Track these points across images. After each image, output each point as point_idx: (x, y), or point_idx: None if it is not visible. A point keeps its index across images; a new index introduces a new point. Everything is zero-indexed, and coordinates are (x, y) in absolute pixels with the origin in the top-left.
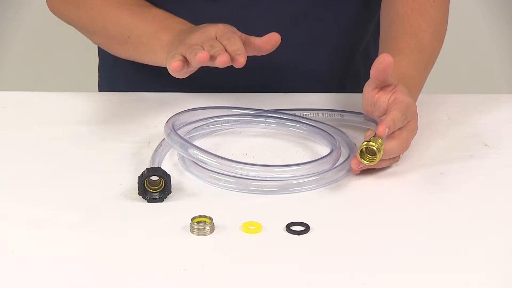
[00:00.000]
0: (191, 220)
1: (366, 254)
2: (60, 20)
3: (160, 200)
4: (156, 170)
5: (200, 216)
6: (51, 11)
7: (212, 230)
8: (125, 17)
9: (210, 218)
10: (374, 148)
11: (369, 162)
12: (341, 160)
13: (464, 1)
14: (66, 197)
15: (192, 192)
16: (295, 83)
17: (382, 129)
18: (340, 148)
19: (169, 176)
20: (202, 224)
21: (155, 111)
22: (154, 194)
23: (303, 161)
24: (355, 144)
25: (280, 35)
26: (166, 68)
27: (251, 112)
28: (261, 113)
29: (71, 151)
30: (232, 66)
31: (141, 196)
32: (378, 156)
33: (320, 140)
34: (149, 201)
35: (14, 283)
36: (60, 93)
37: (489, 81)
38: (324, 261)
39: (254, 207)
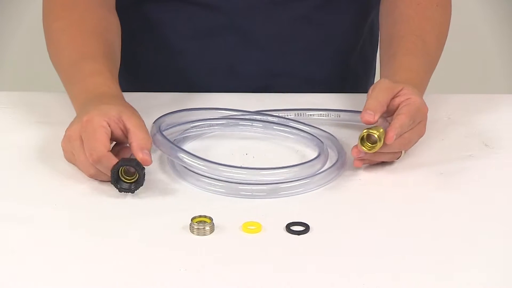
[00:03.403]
0: (191, 220)
1: (366, 254)
2: None
3: (131, 191)
4: (130, 161)
5: (200, 216)
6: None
7: (212, 230)
8: (59, 70)
9: (210, 218)
10: (376, 136)
11: (368, 150)
12: (329, 163)
13: (464, 1)
14: (66, 197)
15: (192, 192)
16: (295, 88)
17: (391, 136)
18: (328, 151)
19: (143, 168)
20: (202, 224)
21: (155, 111)
22: (125, 184)
23: (291, 164)
24: (345, 152)
25: (280, 41)
26: (166, 69)
27: (238, 115)
28: (247, 116)
29: None
30: (233, 71)
31: (113, 185)
32: (378, 145)
33: (308, 143)
34: (120, 191)
35: (14, 283)
36: (60, 93)
37: (489, 81)
38: (324, 261)
39: (254, 207)
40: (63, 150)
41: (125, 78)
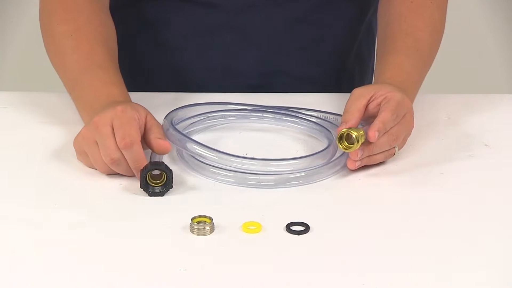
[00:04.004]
0: (191, 220)
1: (366, 254)
2: None
3: (162, 194)
4: (159, 164)
5: (200, 216)
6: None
7: (212, 230)
8: (64, 75)
9: (210, 218)
10: (353, 136)
11: (344, 149)
12: (337, 154)
13: (464, 1)
14: (66, 197)
15: (192, 192)
16: (292, 87)
17: (372, 134)
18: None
19: (171, 170)
20: (202, 224)
21: (155, 111)
22: (156, 188)
23: (300, 155)
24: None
25: (278, 40)
26: (164, 67)
27: (248, 107)
28: (258, 108)
29: (71, 151)
30: (231, 70)
31: (142, 190)
32: (355, 146)
33: (317, 135)
34: (150, 195)
35: (14, 283)
36: (60, 93)
37: (489, 81)
38: (324, 261)
39: (254, 207)
40: (82, 137)
41: (124, 77)
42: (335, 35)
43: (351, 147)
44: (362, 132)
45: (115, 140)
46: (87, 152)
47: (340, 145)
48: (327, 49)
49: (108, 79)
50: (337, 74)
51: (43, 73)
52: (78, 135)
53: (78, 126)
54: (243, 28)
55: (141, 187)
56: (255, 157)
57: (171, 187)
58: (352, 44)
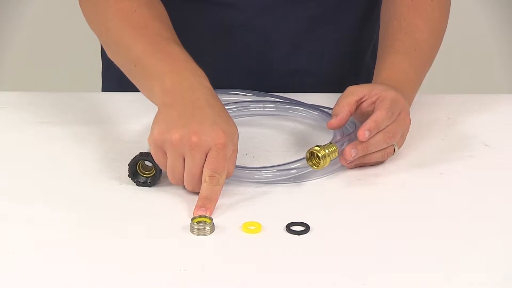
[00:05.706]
0: (191, 220)
1: (366, 254)
2: (60, 20)
3: (148, 185)
4: (147, 155)
5: (200, 216)
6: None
7: (212, 230)
8: (138, 43)
9: (210, 218)
10: (320, 155)
11: (313, 166)
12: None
13: (464, 1)
14: (66, 197)
15: (193, 192)
16: (310, 86)
17: (361, 133)
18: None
19: None
20: (202, 224)
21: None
22: (142, 178)
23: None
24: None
25: (298, 40)
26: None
27: (249, 98)
28: (259, 99)
29: (71, 151)
30: (251, 70)
31: (130, 178)
32: (323, 163)
33: (316, 130)
34: (137, 184)
35: (14, 283)
36: (60, 93)
37: (489, 81)
38: (324, 261)
39: (254, 207)
40: (172, 143)
41: None
42: (353, 33)
43: (319, 164)
44: (334, 148)
45: (202, 168)
46: (168, 158)
47: (309, 162)
48: (346, 47)
49: (181, 52)
50: (355, 72)
51: (43, 73)
52: (165, 130)
53: (78, 126)
54: (263, 28)
55: (129, 176)
56: (256, 158)
57: (159, 178)
58: (368, 41)
